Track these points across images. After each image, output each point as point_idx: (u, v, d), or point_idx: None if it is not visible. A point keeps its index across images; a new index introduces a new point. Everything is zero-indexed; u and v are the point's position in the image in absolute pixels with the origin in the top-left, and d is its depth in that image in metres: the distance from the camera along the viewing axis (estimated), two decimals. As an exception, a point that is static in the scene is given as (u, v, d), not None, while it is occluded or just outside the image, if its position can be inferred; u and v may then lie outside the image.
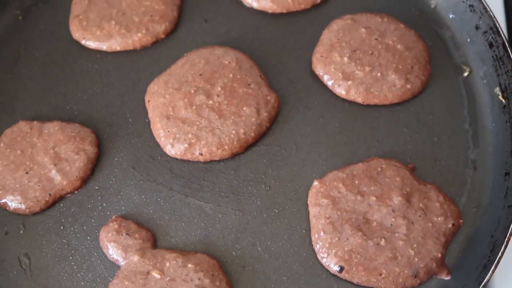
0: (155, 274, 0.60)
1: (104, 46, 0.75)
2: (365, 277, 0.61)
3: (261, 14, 0.77)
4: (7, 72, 0.75)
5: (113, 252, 0.63)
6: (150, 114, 0.70)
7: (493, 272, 0.59)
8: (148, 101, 0.70)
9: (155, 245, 0.64)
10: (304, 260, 0.63)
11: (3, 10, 0.80)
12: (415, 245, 0.61)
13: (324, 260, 0.62)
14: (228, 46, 0.74)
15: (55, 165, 0.66)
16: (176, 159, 0.68)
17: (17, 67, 0.75)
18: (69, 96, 0.73)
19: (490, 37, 0.72)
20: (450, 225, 0.63)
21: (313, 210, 0.64)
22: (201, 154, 0.67)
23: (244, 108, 0.68)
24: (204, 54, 0.72)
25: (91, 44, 0.75)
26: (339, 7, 0.78)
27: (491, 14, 0.72)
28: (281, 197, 0.66)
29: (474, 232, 0.65)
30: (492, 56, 0.72)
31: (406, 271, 0.61)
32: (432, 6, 0.78)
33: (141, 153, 0.69)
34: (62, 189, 0.66)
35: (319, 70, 0.72)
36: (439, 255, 0.62)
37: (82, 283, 0.63)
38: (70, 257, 0.64)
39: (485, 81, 0.73)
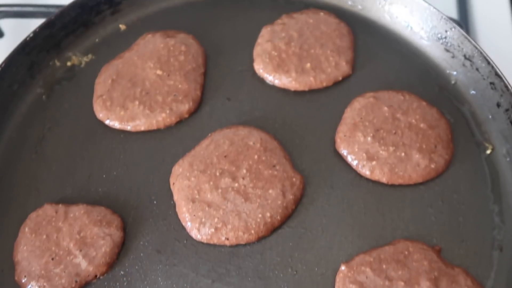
0: None
1: (128, 127, 0.75)
2: None
3: (283, 92, 0.78)
4: (32, 152, 0.75)
5: None
6: (175, 197, 0.69)
7: None
8: (173, 183, 0.70)
9: (183, 334, 0.63)
10: None
11: (27, 89, 0.80)
12: (445, 334, 0.61)
13: None
14: (252, 126, 0.74)
15: (80, 250, 0.66)
16: (202, 243, 0.68)
17: (41, 148, 0.75)
18: (94, 178, 0.72)
19: (512, 115, 0.73)
20: (479, 312, 0.63)
21: (341, 297, 0.64)
22: (227, 239, 0.67)
23: (270, 191, 0.68)
24: (228, 135, 0.72)
25: (116, 124, 0.75)
26: (361, 85, 0.78)
27: (513, 92, 0.73)
28: (308, 282, 0.66)
29: (502, 317, 0.65)
30: (515, 134, 0.73)
31: None
32: (453, 82, 0.79)
33: (167, 237, 0.68)
34: (88, 275, 0.65)
35: (343, 149, 0.72)
36: None
37: None
38: None
39: (508, 159, 0.73)
